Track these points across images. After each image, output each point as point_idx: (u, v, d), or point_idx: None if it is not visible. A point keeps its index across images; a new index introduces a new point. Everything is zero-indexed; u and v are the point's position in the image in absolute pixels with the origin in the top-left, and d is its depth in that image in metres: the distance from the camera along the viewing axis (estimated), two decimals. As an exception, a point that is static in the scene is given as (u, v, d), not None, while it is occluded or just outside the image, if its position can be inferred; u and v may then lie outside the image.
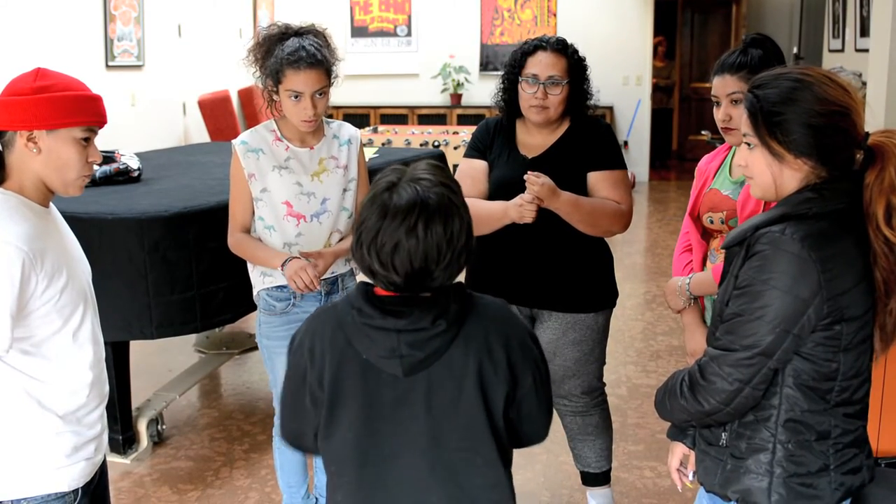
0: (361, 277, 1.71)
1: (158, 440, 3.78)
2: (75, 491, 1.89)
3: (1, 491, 1.83)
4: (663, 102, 11.92)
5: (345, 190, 2.74)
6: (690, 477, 1.96)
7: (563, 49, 2.72)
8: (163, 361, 4.60)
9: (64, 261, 1.82)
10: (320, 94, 2.56)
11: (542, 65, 2.69)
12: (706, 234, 2.49)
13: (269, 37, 2.59)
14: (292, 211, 2.66)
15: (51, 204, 1.88)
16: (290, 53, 2.52)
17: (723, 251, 2.39)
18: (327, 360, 1.56)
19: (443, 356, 1.55)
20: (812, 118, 1.61)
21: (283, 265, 2.58)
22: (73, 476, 1.88)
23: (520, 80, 2.72)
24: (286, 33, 2.58)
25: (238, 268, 3.15)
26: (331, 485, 1.63)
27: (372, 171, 2.93)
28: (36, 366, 1.82)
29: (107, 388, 2.00)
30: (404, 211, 1.51)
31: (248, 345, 4.74)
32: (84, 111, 1.79)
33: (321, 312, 1.66)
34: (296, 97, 2.54)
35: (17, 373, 1.81)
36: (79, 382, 1.88)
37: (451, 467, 1.58)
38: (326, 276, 2.71)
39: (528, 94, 2.70)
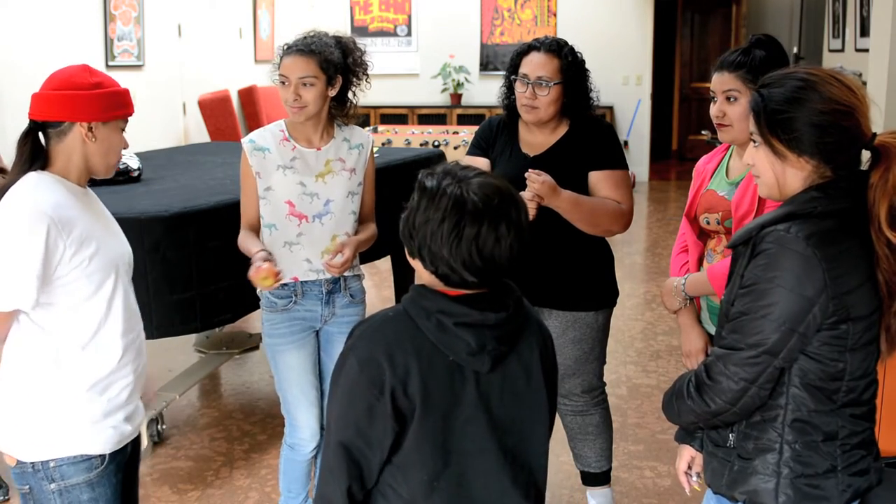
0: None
1: (158, 440, 3.78)
2: (102, 456, 1.95)
3: (28, 452, 1.92)
4: None
5: (351, 193, 2.76)
6: (695, 479, 1.95)
7: (556, 50, 2.72)
8: (163, 361, 4.60)
9: (94, 232, 1.94)
10: (308, 84, 2.59)
11: (532, 65, 2.70)
12: (703, 235, 2.49)
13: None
14: (294, 210, 2.68)
15: (87, 187, 2.03)
16: (291, 40, 2.65)
17: (719, 251, 2.40)
18: (413, 367, 1.52)
19: (515, 347, 1.61)
20: (815, 117, 1.61)
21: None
22: (100, 441, 1.95)
23: (513, 78, 2.75)
24: (296, 37, 2.68)
25: (238, 267, 3.14)
26: (420, 492, 1.57)
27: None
28: (71, 329, 1.91)
29: (144, 361, 2.08)
30: (495, 208, 1.52)
31: (248, 345, 4.73)
32: (127, 104, 2.01)
33: (384, 324, 1.58)
34: (283, 82, 2.61)
35: (48, 336, 1.90)
36: (110, 349, 1.96)
37: (516, 450, 1.62)
38: (328, 275, 2.73)
39: (519, 93, 2.73)
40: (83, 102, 1.91)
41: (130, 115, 2.02)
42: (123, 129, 2.02)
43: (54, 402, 1.92)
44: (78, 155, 1.95)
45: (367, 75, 2.76)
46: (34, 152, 1.93)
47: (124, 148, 2.04)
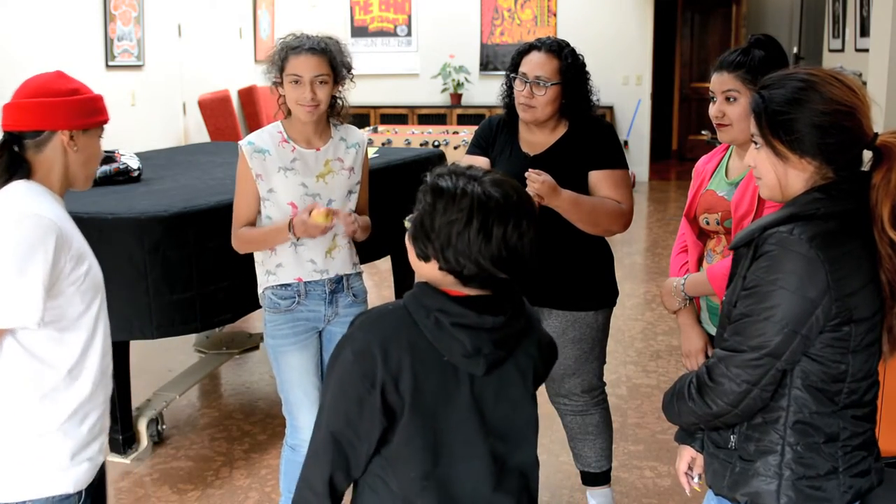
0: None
1: (158, 440, 3.77)
2: (79, 493, 1.86)
3: (4, 493, 1.80)
4: None
5: (350, 192, 2.77)
6: (696, 480, 1.95)
7: (556, 51, 2.72)
8: (163, 361, 4.60)
9: (85, 247, 1.86)
10: (321, 83, 2.60)
11: (531, 64, 2.71)
12: (703, 235, 2.49)
13: (283, 40, 2.68)
14: (297, 212, 2.67)
15: None
16: (294, 40, 2.63)
17: (719, 252, 2.40)
18: (406, 364, 1.52)
19: (513, 353, 1.61)
20: (816, 118, 1.60)
21: (290, 230, 2.61)
22: (77, 478, 1.85)
23: (513, 77, 2.75)
24: (298, 37, 2.67)
25: (238, 268, 3.15)
26: (410, 489, 1.58)
27: (372, 172, 2.94)
28: (58, 353, 1.80)
29: (111, 387, 1.99)
30: (516, 205, 1.54)
31: (248, 345, 4.74)
32: (104, 110, 1.93)
33: (383, 317, 1.59)
34: (296, 81, 2.60)
35: (34, 361, 1.78)
36: (89, 375, 1.86)
37: (507, 456, 1.62)
38: (331, 275, 2.74)
39: (517, 92, 2.73)
40: (63, 109, 1.82)
41: (107, 122, 1.93)
42: (101, 137, 1.94)
43: (33, 437, 1.80)
44: (59, 165, 1.84)
45: (352, 75, 2.76)
46: (10, 166, 1.80)
47: (100, 162, 1.98)
